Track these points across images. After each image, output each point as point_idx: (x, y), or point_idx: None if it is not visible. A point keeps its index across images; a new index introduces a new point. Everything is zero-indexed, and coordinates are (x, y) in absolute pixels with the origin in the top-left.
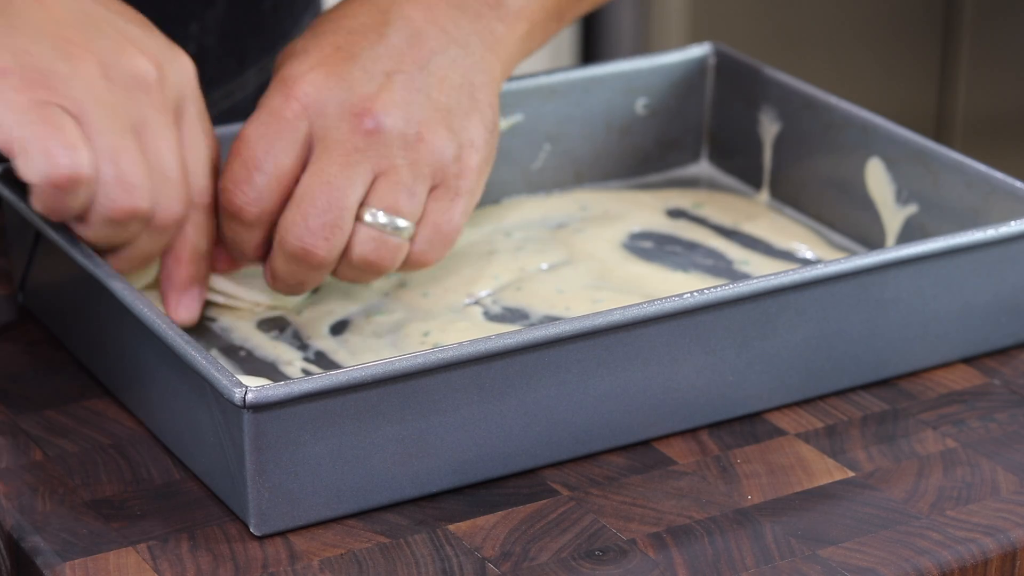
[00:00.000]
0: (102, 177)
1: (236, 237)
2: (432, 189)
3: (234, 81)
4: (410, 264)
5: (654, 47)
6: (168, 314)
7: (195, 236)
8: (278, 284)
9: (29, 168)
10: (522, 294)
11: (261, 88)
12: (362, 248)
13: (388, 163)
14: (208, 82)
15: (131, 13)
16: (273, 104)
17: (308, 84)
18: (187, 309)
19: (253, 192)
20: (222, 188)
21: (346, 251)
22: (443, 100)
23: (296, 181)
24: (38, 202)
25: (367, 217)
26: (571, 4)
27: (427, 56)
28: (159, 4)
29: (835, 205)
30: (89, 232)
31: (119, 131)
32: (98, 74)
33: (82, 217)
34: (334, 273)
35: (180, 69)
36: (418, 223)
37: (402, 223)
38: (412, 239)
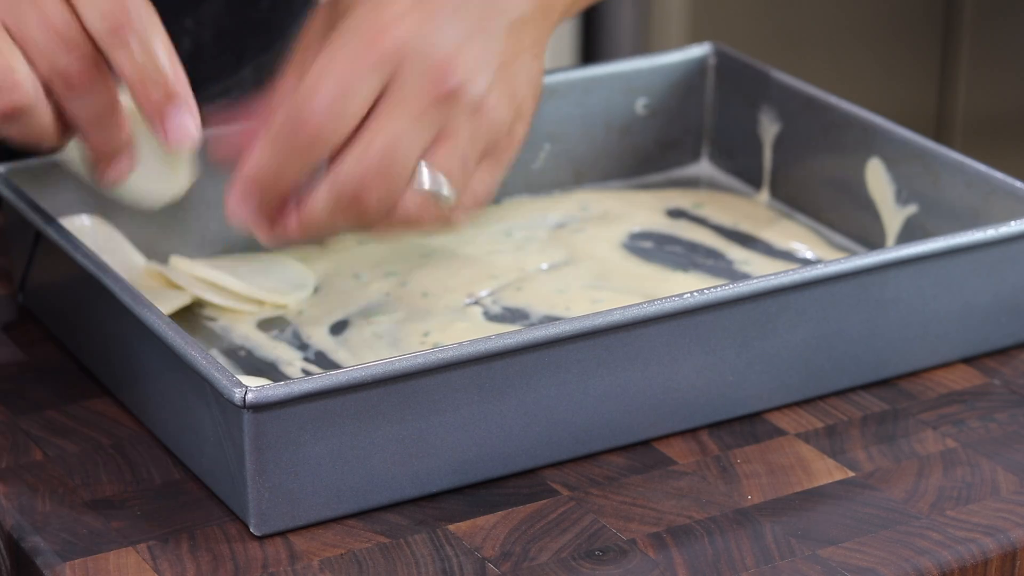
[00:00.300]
0: None
1: (285, 170)
2: (480, 159)
3: (231, 79)
4: (439, 223)
5: (654, 47)
6: (163, 144)
7: (143, 64)
8: (305, 227)
9: None
10: (522, 294)
11: (258, 85)
12: (407, 207)
13: (452, 127)
14: (204, 79)
15: None
16: (357, 43)
17: (403, 28)
18: (176, 130)
19: (328, 130)
20: (290, 110)
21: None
22: (512, 67)
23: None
24: None
25: (421, 179)
26: None
27: (501, 17)
28: None
29: (835, 205)
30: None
31: None
32: None
33: None
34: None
35: None
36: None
37: (448, 191)
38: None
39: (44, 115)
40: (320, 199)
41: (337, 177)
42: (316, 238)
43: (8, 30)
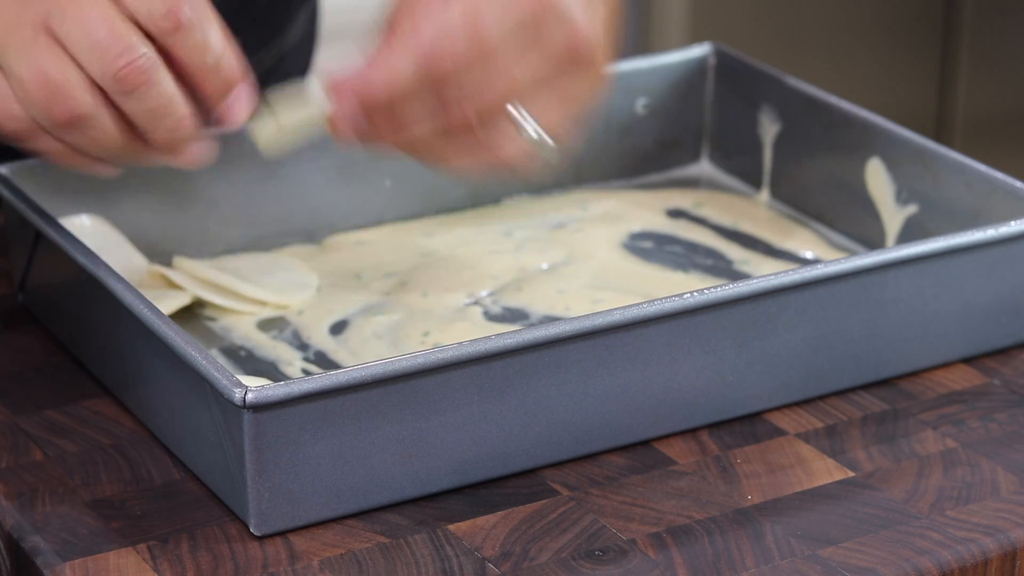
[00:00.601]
0: (27, 95)
1: (411, 98)
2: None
3: None
4: (527, 164)
5: (654, 47)
6: (220, 124)
7: (191, 57)
8: (401, 140)
9: None
10: (522, 294)
11: (257, 82)
12: (505, 150)
13: (567, 79)
14: None
15: None
16: None
17: None
18: (236, 112)
19: (470, 72)
20: (435, 46)
21: (487, 145)
22: (608, 22)
23: None
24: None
25: (528, 132)
26: None
27: None
28: None
29: (835, 205)
30: (57, 144)
31: (30, 39)
32: None
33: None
34: (453, 156)
35: None
36: None
37: (547, 144)
38: None
39: (105, 121)
40: (429, 118)
41: (456, 101)
42: (407, 152)
43: (57, 38)
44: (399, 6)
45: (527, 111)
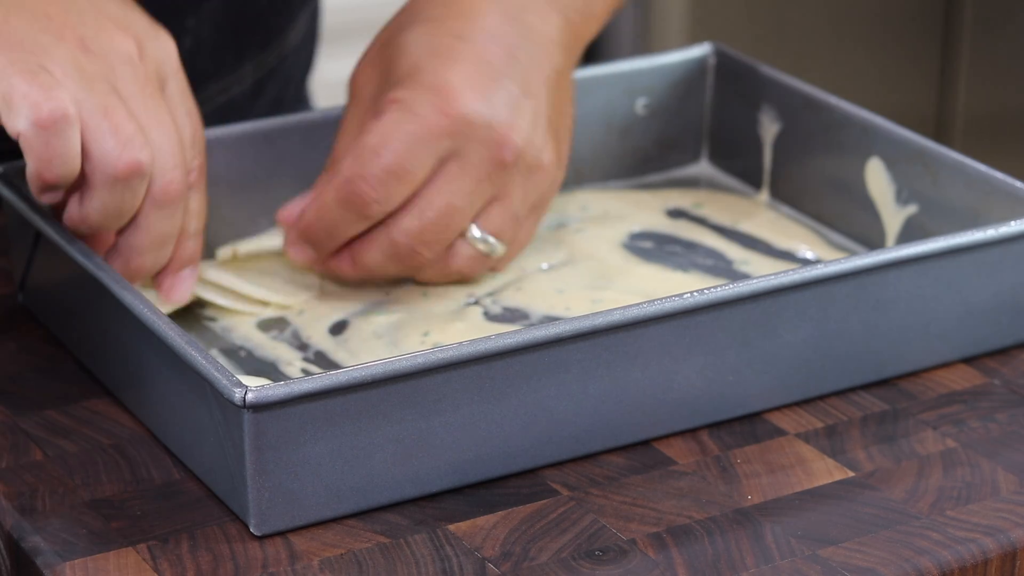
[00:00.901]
0: (95, 131)
1: (341, 226)
2: (529, 213)
3: (230, 76)
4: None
5: (654, 47)
6: (160, 294)
7: (188, 216)
8: (360, 270)
9: (14, 118)
10: (522, 294)
11: (258, 83)
12: (460, 262)
13: (507, 190)
14: (204, 77)
15: None
16: (425, 114)
17: (463, 106)
18: (179, 290)
19: (384, 195)
20: (351, 177)
21: (443, 262)
22: (556, 121)
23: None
24: (32, 165)
25: (474, 235)
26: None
27: (542, 72)
28: None
29: (835, 205)
30: (94, 201)
31: (105, 92)
32: (78, 47)
33: (83, 188)
34: (414, 274)
35: (161, 47)
36: None
37: (499, 248)
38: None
39: (143, 192)
40: (376, 251)
41: (395, 234)
42: (367, 279)
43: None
44: (337, 139)
45: (473, 223)
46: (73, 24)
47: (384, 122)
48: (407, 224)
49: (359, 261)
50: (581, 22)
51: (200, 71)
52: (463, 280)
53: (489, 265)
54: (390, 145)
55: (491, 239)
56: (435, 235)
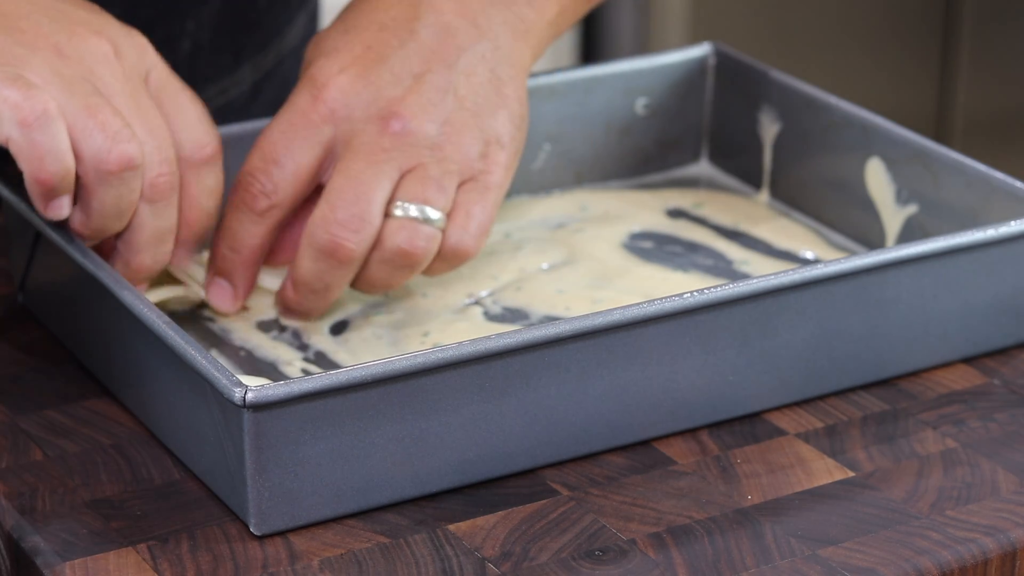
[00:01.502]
0: (82, 131)
1: (240, 228)
2: (460, 184)
3: (229, 78)
4: (445, 256)
5: (654, 47)
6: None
7: (201, 195)
8: (301, 291)
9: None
10: (522, 294)
11: (256, 85)
12: (394, 239)
13: (415, 161)
14: (203, 79)
15: (80, 2)
16: (300, 103)
17: (336, 89)
18: (179, 255)
19: (268, 184)
20: (238, 178)
21: (378, 245)
22: (470, 98)
23: (314, 182)
24: (26, 169)
25: (397, 211)
26: None
27: (455, 53)
28: (154, 1)
29: (835, 205)
30: (93, 202)
31: (87, 92)
32: (54, 54)
33: (81, 194)
34: (364, 276)
35: (134, 44)
36: (449, 215)
37: (433, 213)
38: (444, 230)
39: (139, 186)
40: (302, 261)
41: (309, 228)
42: (320, 303)
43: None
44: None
45: (396, 200)
46: (46, 33)
47: (266, 128)
48: (316, 214)
49: (296, 277)
50: None
51: (198, 73)
52: (414, 264)
53: (433, 240)
54: (267, 136)
55: (414, 206)
56: (348, 215)
